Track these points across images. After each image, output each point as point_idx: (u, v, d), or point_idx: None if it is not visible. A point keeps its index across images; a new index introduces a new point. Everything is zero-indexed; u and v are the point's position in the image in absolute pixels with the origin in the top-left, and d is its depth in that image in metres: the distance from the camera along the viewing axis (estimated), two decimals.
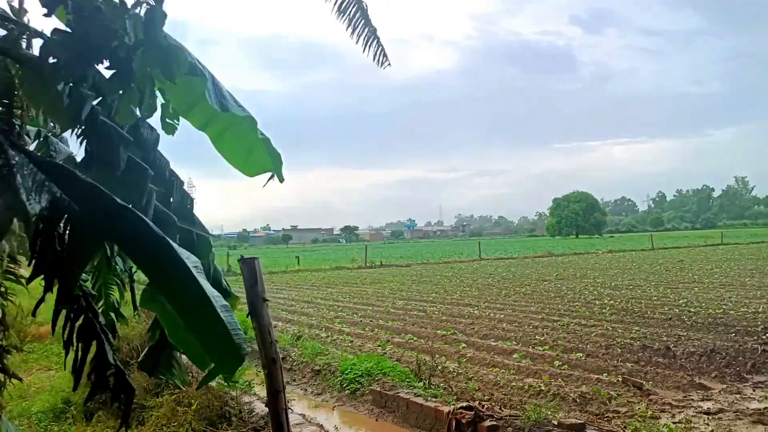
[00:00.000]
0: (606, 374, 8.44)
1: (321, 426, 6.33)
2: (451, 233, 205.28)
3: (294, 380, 9.57)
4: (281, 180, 4.19)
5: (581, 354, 9.71)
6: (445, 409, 6.23)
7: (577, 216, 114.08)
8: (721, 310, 13.35)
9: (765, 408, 6.61)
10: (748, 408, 6.69)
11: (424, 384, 7.51)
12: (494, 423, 5.73)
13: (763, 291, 16.84)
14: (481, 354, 10.24)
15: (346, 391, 8.27)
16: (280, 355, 10.51)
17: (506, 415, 5.85)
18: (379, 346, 11.20)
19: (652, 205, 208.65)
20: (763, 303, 14.37)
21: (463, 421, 5.86)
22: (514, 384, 8.04)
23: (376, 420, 7.25)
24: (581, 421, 5.63)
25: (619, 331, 11.60)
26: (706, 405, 6.90)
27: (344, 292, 22.19)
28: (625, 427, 5.88)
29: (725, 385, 7.81)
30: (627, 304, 15.24)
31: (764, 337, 10.34)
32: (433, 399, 6.74)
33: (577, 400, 7.13)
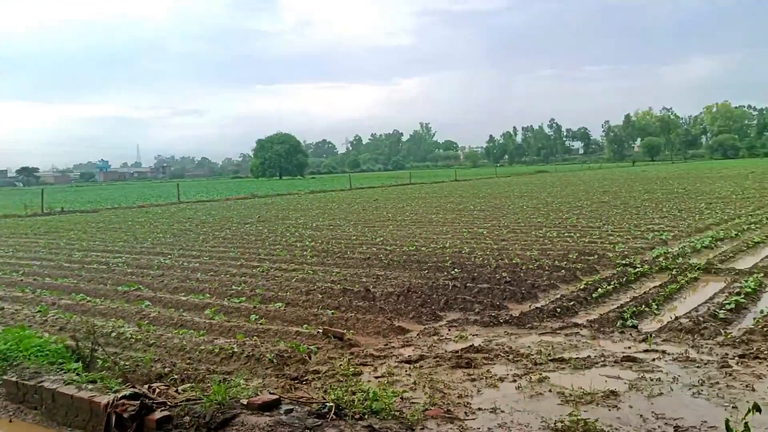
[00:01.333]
0: (306, 325, 7.73)
1: None
2: (150, 175, 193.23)
3: None
4: None
5: (281, 303, 8.91)
6: (104, 400, 4.74)
7: (281, 157, 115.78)
8: (414, 247, 13.77)
9: (462, 349, 6.44)
10: (446, 351, 6.45)
11: (84, 364, 5.86)
12: (167, 413, 4.45)
13: (448, 227, 18.10)
14: (168, 312, 8.84)
15: None
16: None
17: (183, 400, 4.60)
18: (40, 311, 9.05)
19: (350, 148, 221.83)
20: (449, 238, 15.28)
21: (125, 415, 4.46)
22: (203, 347, 6.84)
23: (10, 421, 5.41)
24: (275, 397, 4.64)
25: (320, 274, 11.12)
26: (407, 352, 6.51)
27: (8, 246, 18.48)
28: (325, 392, 5.08)
29: (423, 327, 7.63)
30: (327, 244, 15.01)
31: (453, 272, 10.68)
32: (90, 386, 5.16)
33: (274, 360, 6.23)
